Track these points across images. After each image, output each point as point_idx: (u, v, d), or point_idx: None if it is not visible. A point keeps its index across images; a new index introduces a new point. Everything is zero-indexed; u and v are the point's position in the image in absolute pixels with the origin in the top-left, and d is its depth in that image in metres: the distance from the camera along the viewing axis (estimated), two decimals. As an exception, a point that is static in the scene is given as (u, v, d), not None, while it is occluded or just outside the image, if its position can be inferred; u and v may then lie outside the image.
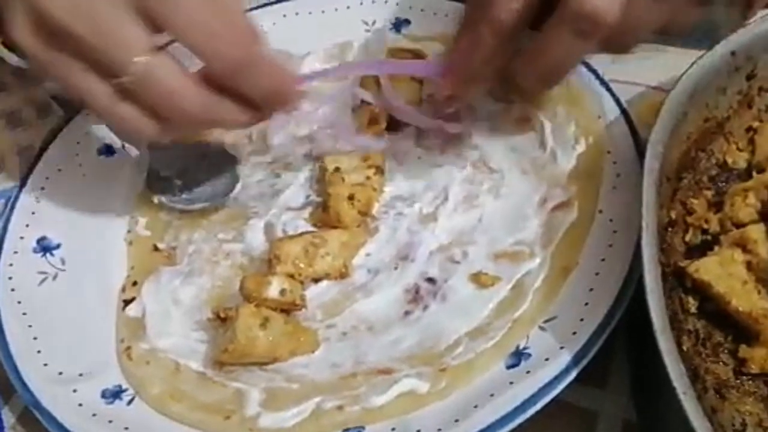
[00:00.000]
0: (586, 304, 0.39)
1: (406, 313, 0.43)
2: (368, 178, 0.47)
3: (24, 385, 0.41)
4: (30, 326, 0.44)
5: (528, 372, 0.37)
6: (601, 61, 0.51)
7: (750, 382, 0.37)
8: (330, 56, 0.57)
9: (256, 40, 0.39)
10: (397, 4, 0.58)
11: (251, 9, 0.59)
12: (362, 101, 0.51)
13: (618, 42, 0.40)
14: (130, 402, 0.41)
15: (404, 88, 0.52)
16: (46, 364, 0.42)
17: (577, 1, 0.36)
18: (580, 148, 0.47)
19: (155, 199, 0.49)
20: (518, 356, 0.39)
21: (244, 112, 0.41)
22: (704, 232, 0.42)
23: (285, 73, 0.42)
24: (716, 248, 0.40)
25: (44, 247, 0.48)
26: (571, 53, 0.40)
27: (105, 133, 0.53)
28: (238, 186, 0.50)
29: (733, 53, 0.42)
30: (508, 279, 0.42)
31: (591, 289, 0.40)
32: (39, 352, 0.43)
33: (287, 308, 0.43)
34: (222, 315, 0.42)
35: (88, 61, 0.37)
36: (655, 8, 0.38)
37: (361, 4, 0.58)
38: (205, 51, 0.37)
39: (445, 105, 0.49)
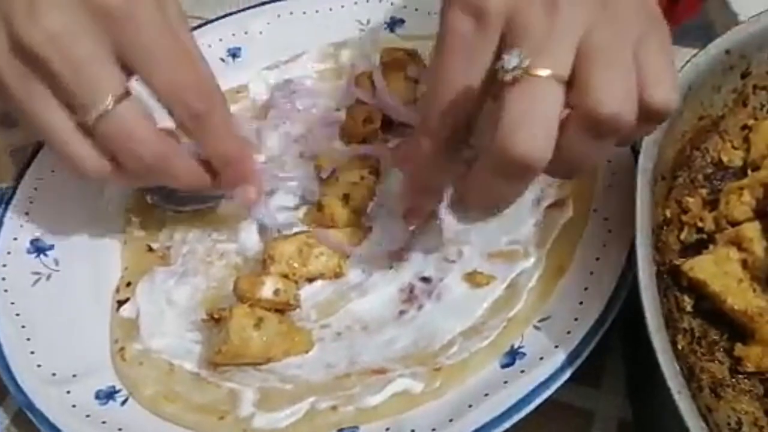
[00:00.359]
0: (581, 303, 0.39)
1: (401, 312, 0.43)
2: (362, 177, 0.47)
3: (17, 386, 0.41)
4: (23, 327, 0.44)
5: (522, 371, 0.37)
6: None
7: (745, 380, 0.37)
8: (324, 56, 0.57)
9: (220, 103, 0.41)
10: (392, 4, 0.58)
11: (245, 9, 0.59)
12: (357, 100, 0.51)
13: (555, 175, 0.36)
14: (123, 403, 0.41)
15: (399, 87, 0.51)
16: (39, 365, 0.42)
17: (500, 144, 0.32)
18: (575, 146, 0.47)
19: (149, 199, 0.49)
20: (513, 355, 0.38)
21: (200, 174, 0.42)
22: (699, 230, 0.42)
23: (242, 143, 0.44)
24: (711, 247, 0.40)
25: (38, 247, 0.48)
26: (500, 195, 0.35)
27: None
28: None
29: (727, 51, 0.42)
30: (503, 278, 0.42)
31: (585, 289, 0.40)
32: (32, 353, 0.43)
33: (281, 308, 0.42)
34: (216, 315, 0.42)
35: (56, 93, 0.38)
36: (594, 143, 0.33)
37: (356, 3, 0.58)
38: (170, 98, 0.39)
39: None
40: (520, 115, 0.31)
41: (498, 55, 0.33)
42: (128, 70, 0.38)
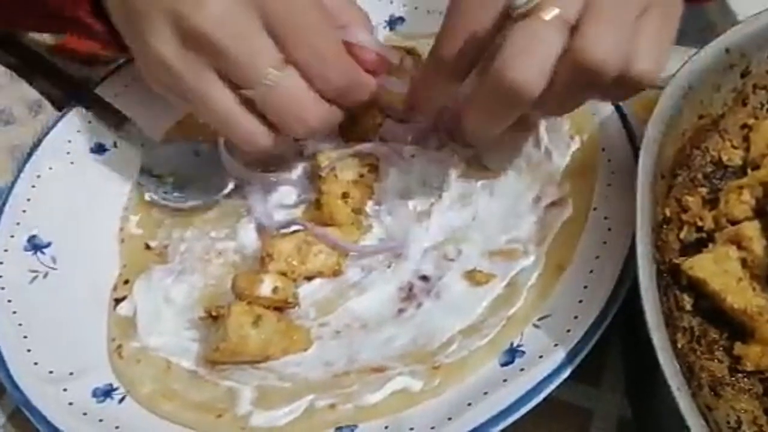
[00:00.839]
0: (581, 301, 0.39)
1: (400, 311, 0.42)
2: (362, 175, 0.47)
3: (14, 384, 0.41)
4: (20, 325, 0.44)
5: (522, 370, 0.37)
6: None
7: (745, 379, 0.37)
8: (324, 53, 0.57)
9: (359, 76, 0.44)
10: (391, 2, 0.58)
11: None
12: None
13: (540, 109, 0.39)
14: (121, 401, 0.41)
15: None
16: (36, 363, 0.42)
17: (497, 71, 0.35)
18: (575, 145, 0.47)
19: (147, 197, 0.49)
20: (512, 354, 0.38)
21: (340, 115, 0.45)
22: (699, 229, 0.42)
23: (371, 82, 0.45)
24: (711, 245, 0.40)
25: (35, 245, 0.47)
26: (493, 118, 0.39)
27: (97, 131, 0.52)
28: (231, 184, 0.49)
29: (727, 50, 0.42)
30: (503, 277, 0.42)
31: (585, 287, 0.40)
32: (29, 350, 0.42)
33: (280, 306, 0.42)
34: (214, 313, 0.42)
35: (223, 73, 0.40)
36: (576, 88, 0.37)
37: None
38: (312, 72, 0.41)
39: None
40: (521, 47, 0.35)
41: None
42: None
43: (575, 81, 0.36)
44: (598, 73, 0.35)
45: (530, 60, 0.35)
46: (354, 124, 0.49)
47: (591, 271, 0.40)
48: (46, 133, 0.52)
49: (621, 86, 0.37)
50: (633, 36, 0.35)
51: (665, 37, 0.37)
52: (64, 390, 0.41)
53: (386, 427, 0.37)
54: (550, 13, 0.34)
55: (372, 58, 0.45)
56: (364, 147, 0.49)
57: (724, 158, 0.44)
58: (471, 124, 0.41)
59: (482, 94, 0.38)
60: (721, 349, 0.38)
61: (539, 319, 0.40)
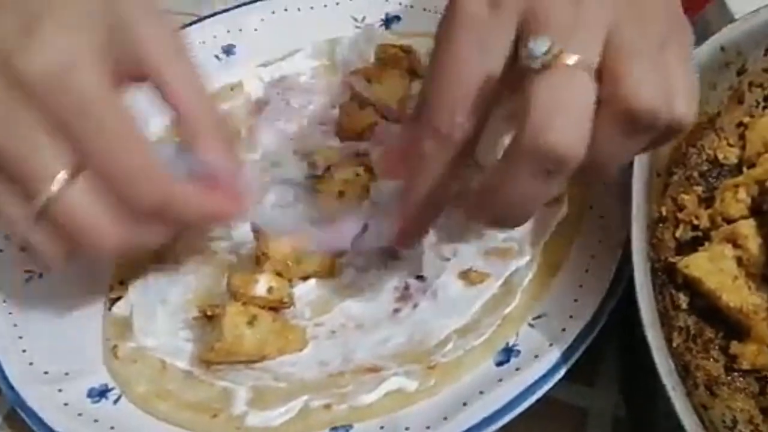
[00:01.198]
0: (576, 300, 0.39)
1: (395, 310, 0.42)
2: (357, 174, 0.47)
3: (9, 384, 0.40)
4: (15, 325, 0.43)
5: (517, 369, 0.37)
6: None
7: (741, 378, 0.37)
8: (319, 52, 0.57)
9: (169, 185, 0.36)
10: (387, 1, 0.58)
11: (239, 6, 0.59)
12: (351, 97, 0.51)
13: (581, 176, 0.31)
14: (116, 401, 0.41)
15: (394, 85, 0.51)
16: (31, 363, 0.42)
17: (532, 136, 0.29)
18: (571, 144, 0.46)
19: (143, 197, 0.49)
20: (507, 353, 0.38)
21: (168, 231, 0.38)
22: (695, 227, 0.42)
23: (213, 200, 0.38)
24: (707, 244, 0.40)
25: (30, 245, 0.47)
26: (530, 196, 0.31)
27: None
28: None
29: (722, 48, 0.42)
30: (498, 276, 0.42)
31: (581, 286, 0.40)
32: (24, 351, 0.42)
33: (275, 306, 0.42)
34: (209, 313, 0.42)
35: (4, 184, 0.34)
36: (626, 142, 0.31)
37: (351, 0, 0.58)
38: (121, 192, 0.34)
39: None
40: (554, 103, 0.29)
41: (516, 44, 0.31)
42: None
43: (623, 136, 0.30)
44: (653, 121, 0.30)
45: (569, 116, 0.29)
46: (349, 123, 0.49)
47: (586, 270, 0.40)
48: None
49: (663, 135, 0.31)
50: (666, 74, 0.30)
51: (689, 66, 0.32)
52: (60, 390, 0.41)
53: (381, 427, 0.37)
54: (573, 59, 0.29)
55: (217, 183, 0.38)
56: (360, 146, 0.49)
57: (720, 156, 0.44)
58: (499, 209, 0.33)
59: (510, 170, 0.30)
60: (716, 348, 0.38)
61: (534, 319, 0.39)
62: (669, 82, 0.30)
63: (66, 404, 0.40)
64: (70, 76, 0.33)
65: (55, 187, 0.33)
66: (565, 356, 0.37)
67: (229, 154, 0.39)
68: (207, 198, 0.38)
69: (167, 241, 0.39)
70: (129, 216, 0.35)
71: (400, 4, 0.58)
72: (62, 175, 0.33)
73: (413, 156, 0.34)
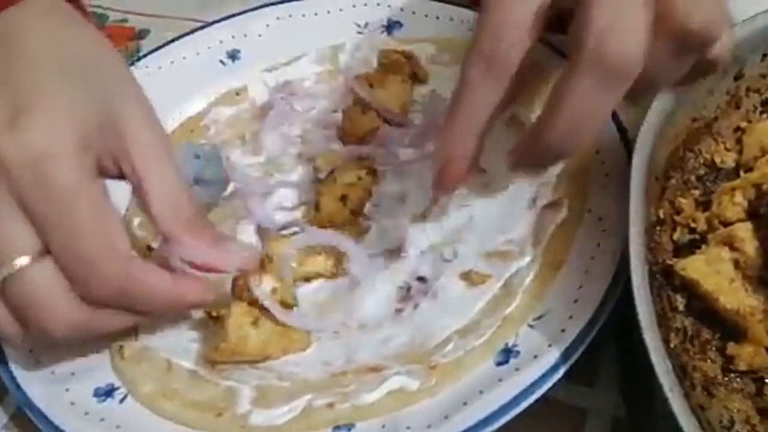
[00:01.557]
0: (575, 301, 0.39)
1: (397, 311, 0.43)
2: (360, 178, 0.47)
3: (16, 383, 0.41)
4: (23, 325, 0.44)
5: (517, 369, 0.37)
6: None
7: (738, 379, 0.38)
8: (323, 58, 0.58)
9: (134, 268, 0.37)
10: (389, 7, 0.58)
11: (245, 12, 0.59)
12: (354, 102, 0.52)
13: (633, 93, 0.33)
14: (122, 400, 0.41)
15: (396, 90, 0.52)
16: (38, 363, 0.42)
17: (595, 45, 0.31)
18: (570, 148, 0.47)
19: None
20: (507, 354, 0.39)
21: (130, 318, 0.39)
22: (692, 230, 0.42)
23: (176, 287, 0.39)
24: (704, 247, 0.40)
25: (38, 247, 0.48)
26: (591, 111, 0.33)
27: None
28: (230, 186, 0.50)
29: (720, 54, 0.43)
30: (498, 277, 0.43)
31: (580, 287, 0.40)
32: (31, 350, 0.43)
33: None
34: (214, 314, 0.42)
35: None
36: (676, 61, 0.33)
37: (354, 6, 0.59)
38: (75, 279, 0.35)
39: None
40: (615, 14, 0.31)
41: None
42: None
43: (675, 54, 0.32)
44: (705, 39, 0.32)
45: (629, 26, 0.30)
46: (352, 127, 0.50)
47: (586, 272, 0.41)
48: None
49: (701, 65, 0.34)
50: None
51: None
52: (66, 390, 0.41)
53: (383, 426, 0.38)
54: None
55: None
56: (362, 150, 0.49)
57: (717, 161, 0.45)
58: (559, 131, 0.34)
59: (574, 82, 0.32)
60: (713, 349, 0.39)
61: (534, 319, 0.40)
62: (718, 8, 0.32)
63: (72, 403, 0.41)
64: (46, 166, 0.34)
65: (15, 266, 0.34)
66: (564, 357, 0.37)
67: (208, 241, 0.39)
68: (176, 286, 0.38)
69: (127, 327, 0.40)
70: (86, 303, 0.36)
71: (402, 10, 0.58)
72: (25, 256, 0.34)
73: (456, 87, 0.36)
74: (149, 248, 0.49)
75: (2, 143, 0.34)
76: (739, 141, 0.45)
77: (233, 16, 0.59)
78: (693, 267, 0.39)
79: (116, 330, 0.39)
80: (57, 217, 0.34)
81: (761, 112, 0.46)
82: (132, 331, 0.44)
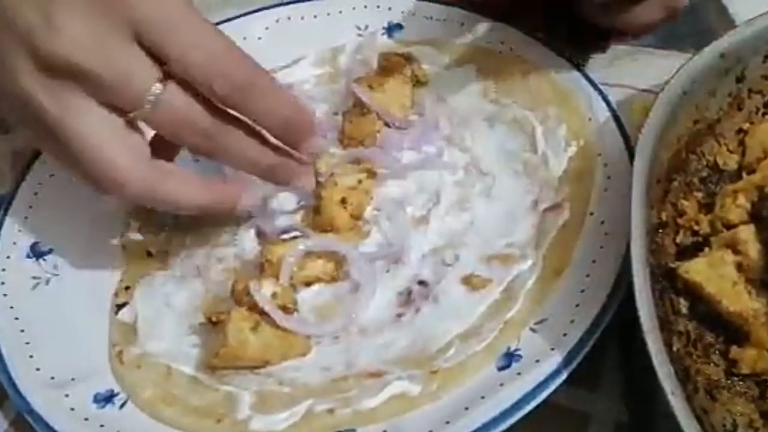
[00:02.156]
0: (577, 305, 0.39)
1: (398, 315, 0.43)
2: (360, 181, 0.47)
3: (16, 389, 0.41)
4: (22, 331, 0.44)
5: (519, 374, 0.37)
6: (591, 64, 0.52)
7: (741, 382, 0.37)
8: (323, 60, 0.57)
9: (259, 66, 0.40)
10: (390, 9, 0.58)
11: (244, 14, 0.59)
12: (354, 104, 0.51)
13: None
14: (122, 406, 0.41)
15: (396, 92, 0.52)
16: (38, 369, 0.42)
17: None
18: (571, 150, 0.47)
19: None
20: (509, 358, 0.39)
21: (253, 145, 0.41)
22: (695, 233, 0.42)
23: (296, 99, 0.42)
24: (707, 249, 0.40)
25: (37, 252, 0.48)
26: None
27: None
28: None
29: (722, 55, 0.42)
30: (500, 281, 0.42)
31: (582, 291, 0.40)
32: (31, 356, 0.43)
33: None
34: (214, 319, 0.42)
35: (97, 97, 0.37)
36: None
37: (354, 8, 0.59)
38: (209, 73, 0.38)
39: None
40: None
41: None
42: (159, 57, 0.38)
43: None
44: None
45: None
46: (352, 130, 0.50)
47: (588, 275, 0.40)
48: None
49: None
50: None
51: None
52: (66, 396, 0.41)
53: (384, 432, 0.37)
54: None
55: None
56: (363, 153, 0.49)
57: (720, 162, 0.45)
58: None
59: None
60: (716, 352, 0.38)
61: (536, 323, 0.40)
62: None
63: (72, 409, 0.40)
64: None
65: (156, 91, 0.37)
66: (566, 361, 0.37)
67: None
68: (289, 95, 0.42)
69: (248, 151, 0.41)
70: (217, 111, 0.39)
71: (402, 12, 0.58)
72: (159, 77, 0.37)
73: None
74: (148, 253, 0.48)
75: None
76: (741, 143, 0.45)
77: (232, 19, 0.59)
78: (695, 270, 0.39)
79: (240, 157, 0.42)
80: (178, 23, 0.37)
81: (764, 114, 0.46)
82: (132, 335, 0.43)
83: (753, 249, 0.38)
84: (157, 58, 0.38)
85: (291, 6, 0.59)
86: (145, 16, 0.37)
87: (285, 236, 0.46)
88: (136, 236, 0.49)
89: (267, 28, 0.59)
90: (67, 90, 0.37)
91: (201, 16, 0.38)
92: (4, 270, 0.47)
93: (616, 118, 0.47)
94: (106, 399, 0.41)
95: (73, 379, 0.42)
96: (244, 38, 0.58)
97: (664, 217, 0.42)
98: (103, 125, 0.38)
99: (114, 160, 0.38)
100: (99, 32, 0.36)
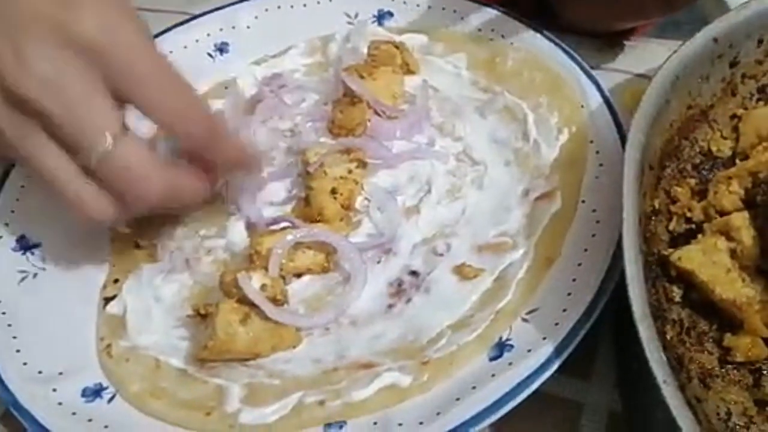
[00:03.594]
0: (569, 294, 0.39)
1: (389, 306, 0.42)
2: (350, 171, 0.47)
3: (3, 384, 0.40)
4: (9, 325, 0.43)
5: (510, 364, 0.37)
6: (585, 50, 0.51)
7: (735, 370, 0.37)
8: (312, 49, 0.57)
9: (215, 119, 0.42)
10: (380, -4, 0.58)
11: (233, 3, 0.59)
12: (344, 94, 0.51)
13: None
14: (110, 400, 0.41)
15: (387, 80, 0.51)
16: (25, 363, 0.42)
17: None
18: (563, 138, 0.47)
19: (136, 196, 0.49)
20: (501, 348, 0.38)
21: (201, 184, 0.42)
22: (688, 220, 0.42)
23: (244, 143, 0.46)
24: (700, 236, 0.40)
25: (24, 245, 0.47)
26: None
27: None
28: (220, 181, 0.49)
29: (715, 40, 0.42)
30: (491, 270, 0.42)
31: (574, 280, 0.39)
32: (18, 351, 0.42)
33: (269, 303, 0.42)
34: (202, 311, 0.42)
35: (55, 138, 0.37)
36: None
37: (344, -4, 0.58)
38: (174, 130, 0.39)
39: None
40: None
41: None
42: (122, 103, 0.38)
43: None
44: None
45: None
46: (342, 119, 0.49)
47: (579, 264, 0.40)
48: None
49: None
50: None
51: None
52: (54, 390, 0.40)
53: (375, 423, 0.37)
54: None
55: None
56: (353, 143, 0.48)
57: (713, 149, 0.44)
58: None
59: None
60: (710, 340, 0.38)
61: (528, 313, 0.39)
62: None
63: (60, 404, 0.40)
64: (118, 33, 0.37)
65: (107, 143, 0.36)
66: (558, 350, 0.37)
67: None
68: (239, 141, 0.45)
69: (205, 196, 0.43)
70: (173, 165, 0.40)
71: (393, 0, 0.57)
72: (112, 133, 0.37)
73: None
74: (137, 245, 0.48)
75: (73, 22, 0.36)
76: (735, 128, 0.44)
77: (221, 8, 0.59)
78: (688, 257, 0.38)
79: (198, 197, 0.42)
80: (143, 75, 0.37)
81: (758, 99, 0.45)
82: (120, 328, 0.43)
83: (747, 235, 0.38)
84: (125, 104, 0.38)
85: (280, -6, 0.59)
86: (114, 65, 0.36)
87: (274, 227, 0.46)
88: (124, 229, 0.48)
89: (256, 17, 0.58)
90: (30, 127, 0.37)
91: (170, 66, 0.39)
92: (-9, 264, 0.46)
93: (609, 105, 0.46)
94: (94, 393, 0.41)
95: (60, 374, 0.41)
96: (233, 27, 0.58)
97: (656, 205, 0.41)
98: (67, 167, 0.38)
99: (81, 200, 0.38)
100: (65, 76, 0.36)
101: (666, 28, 0.61)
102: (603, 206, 0.42)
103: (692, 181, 0.43)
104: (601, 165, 0.44)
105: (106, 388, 0.41)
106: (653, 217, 0.41)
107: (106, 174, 0.38)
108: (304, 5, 0.58)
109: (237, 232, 0.47)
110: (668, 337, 0.37)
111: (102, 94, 0.37)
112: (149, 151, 0.39)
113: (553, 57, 0.51)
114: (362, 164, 0.47)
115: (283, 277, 0.43)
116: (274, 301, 0.42)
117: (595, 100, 0.47)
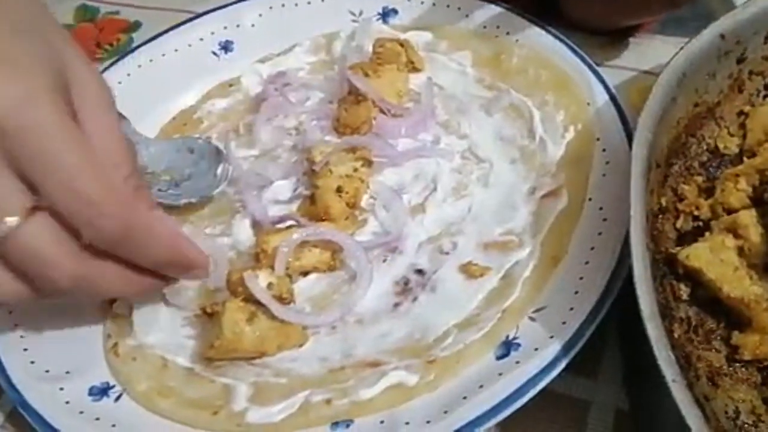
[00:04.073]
0: (576, 293, 0.39)
1: (396, 305, 0.42)
2: (356, 170, 0.47)
3: (11, 383, 0.41)
4: (16, 325, 0.43)
5: (517, 362, 0.37)
6: (589, 47, 0.51)
7: (743, 369, 0.37)
8: (317, 47, 0.57)
9: (137, 204, 0.36)
10: (385, -7, 0.58)
11: (237, 2, 0.58)
12: (349, 92, 0.51)
13: None
14: (117, 399, 0.41)
15: (392, 78, 0.51)
16: (32, 362, 0.42)
17: None
18: (569, 135, 0.46)
19: (142, 195, 0.49)
20: (507, 347, 0.38)
21: (130, 282, 0.38)
22: (695, 218, 0.41)
23: (178, 236, 0.39)
24: (707, 234, 0.40)
25: (31, 244, 0.47)
26: None
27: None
28: (225, 180, 0.49)
29: (722, 36, 0.42)
30: (498, 269, 0.42)
31: (581, 278, 0.39)
32: (26, 350, 0.42)
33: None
34: (209, 310, 0.42)
35: None
36: None
37: (348, -6, 0.58)
38: (79, 221, 0.34)
39: None
40: None
41: None
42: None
43: None
44: None
45: None
46: (347, 118, 0.49)
47: (586, 262, 0.40)
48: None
49: None
50: None
51: None
52: (61, 389, 0.41)
53: (382, 422, 0.37)
54: None
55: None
56: (358, 141, 0.48)
57: (721, 146, 0.44)
58: None
59: None
60: (718, 338, 0.38)
61: (535, 312, 0.39)
62: None
63: (67, 402, 0.40)
64: (28, 110, 0.33)
65: (9, 225, 0.33)
66: (565, 349, 0.36)
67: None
68: (179, 237, 0.39)
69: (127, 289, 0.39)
70: (87, 252, 0.35)
71: (398, -3, 0.57)
72: (19, 212, 0.34)
73: None
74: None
75: None
76: (742, 126, 0.44)
77: (225, 6, 0.58)
78: (696, 255, 0.38)
79: (117, 293, 0.39)
80: (50, 158, 0.33)
81: (765, 96, 0.45)
82: (127, 327, 0.43)
83: (754, 233, 0.38)
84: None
85: (284, -8, 0.59)
86: (17, 149, 0.33)
87: (280, 225, 0.46)
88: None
89: (260, 15, 0.58)
90: None
91: (84, 143, 0.35)
92: (-3, 263, 0.46)
93: (615, 102, 0.46)
94: (101, 392, 0.41)
95: (68, 372, 0.42)
96: (238, 26, 0.58)
97: (663, 202, 0.41)
98: None
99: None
100: None
101: (670, 24, 0.61)
102: (610, 204, 0.42)
103: (699, 179, 0.43)
104: (607, 163, 0.44)
105: (113, 386, 0.41)
106: (660, 215, 0.41)
107: (11, 256, 0.34)
108: (309, 3, 0.58)
109: (243, 231, 0.47)
110: (676, 335, 0.37)
111: (7, 176, 0.33)
112: (66, 236, 0.35)
113: (559, 54, 0.50)
114: (368, 162, 0.47)
115: (290, 276, 0.43)
116: (281, 299, 0.42)
117: (602, 97, 0.47)
